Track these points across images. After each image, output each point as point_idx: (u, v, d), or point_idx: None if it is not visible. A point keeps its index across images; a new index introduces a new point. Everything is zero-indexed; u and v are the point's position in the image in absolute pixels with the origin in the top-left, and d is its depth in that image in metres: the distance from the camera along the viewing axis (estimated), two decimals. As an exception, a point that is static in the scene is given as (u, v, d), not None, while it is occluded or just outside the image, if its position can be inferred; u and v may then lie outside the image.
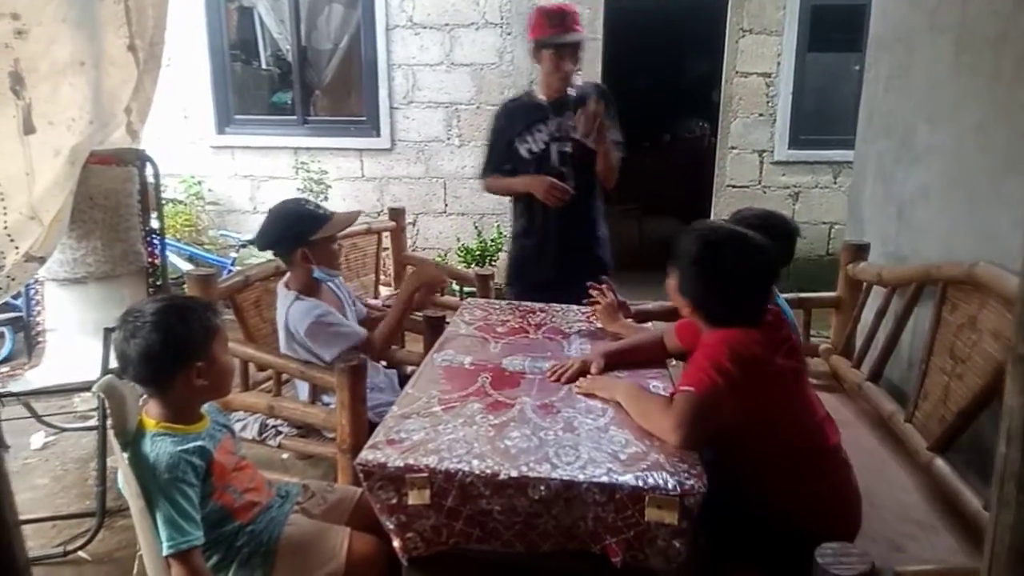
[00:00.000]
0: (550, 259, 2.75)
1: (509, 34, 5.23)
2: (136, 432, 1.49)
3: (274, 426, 2.34)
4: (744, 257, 1.55)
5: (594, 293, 2.28)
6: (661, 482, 1.30)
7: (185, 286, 2.46)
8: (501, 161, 2.80)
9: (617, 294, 2.28)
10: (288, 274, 2.30)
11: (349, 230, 3.54)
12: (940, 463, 1.92)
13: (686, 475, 1.33)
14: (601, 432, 1.50)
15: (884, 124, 2.88)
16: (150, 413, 1.51)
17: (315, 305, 2.18)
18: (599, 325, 2.26)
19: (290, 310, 2.19)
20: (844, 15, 5.07)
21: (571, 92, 2.68)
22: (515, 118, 2.76)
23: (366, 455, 1.36)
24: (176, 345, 1.44)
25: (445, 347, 2.05)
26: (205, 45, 5.43)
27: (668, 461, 1.39)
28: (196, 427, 1.55)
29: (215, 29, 5.45)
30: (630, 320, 2.25)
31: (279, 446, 2.32)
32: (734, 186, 5.40)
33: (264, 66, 5.86)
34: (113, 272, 3.16)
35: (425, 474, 1.32)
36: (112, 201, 3.14)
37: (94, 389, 1.48)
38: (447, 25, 5.26)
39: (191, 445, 1.48)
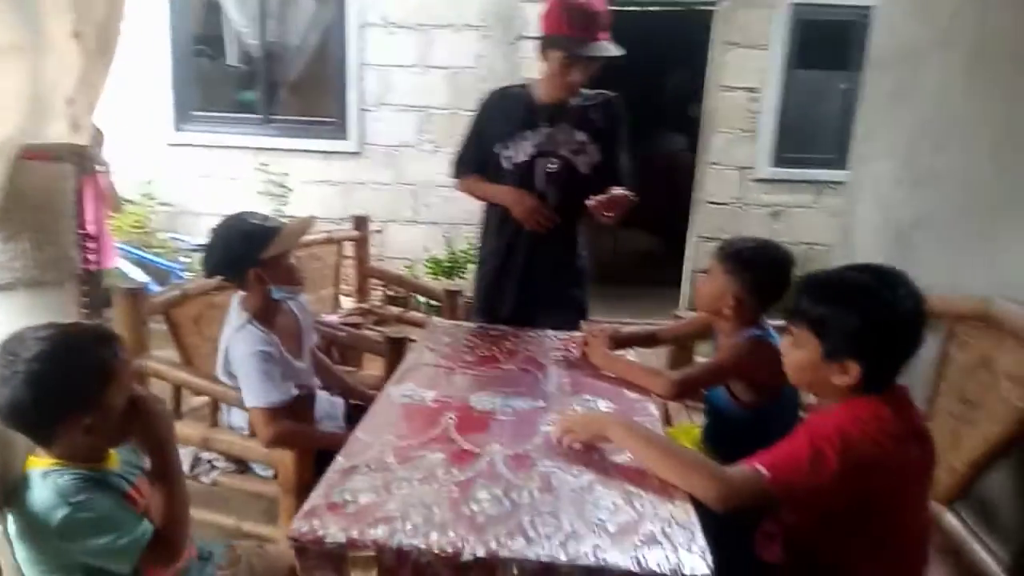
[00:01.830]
0: (513, 290, 2.38)
1: (488, 37, 5.02)
2: (20, 482, 1.23)
3: (209, 460, 2.07)
4: (915, 297, 1.27)
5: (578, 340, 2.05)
6: (658, 563, 1.08)
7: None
8: (479, 161, 2.37)
9: (599, 331, 2.04)
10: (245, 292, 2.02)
11: (307, 238, 3.29)
12: (949, 517, 1.74)
13: (687, 549, 1.11)
14: (585, 492, 1.27)
15: (883, 144, 2.71)
16: (37, 453, 1.26)
17: (264, 339, 1.91)
18: (578, 355, 2.03)
19: (236, 334, 1.92)
20: (833, 32, 4.96)
21: (573, 101, 2.28)
22: (503, 116, 2.33)
23: (300, 525, 1.11)
24: (52, 401, 1.17)
25: (405, 379, 1.80)
26: (168, 37, 5.13)
27: (664, 530, 1.17)
28: (100, 465, 1.30)
29: (179, 21, 5.16)
30: (620, 353, 2.02)
31: (213, 483, 2.06)
32: (713, 203, 5.25)
33: (231, 62, 5.55)
34: (42, 278, 2.85)
35: (372, 551, 1.07)
36: (44, 201, 2.83)
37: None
38: (423, 26, 5.03)
39: (94, 477, 1.24)
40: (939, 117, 2.32)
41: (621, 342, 2.06)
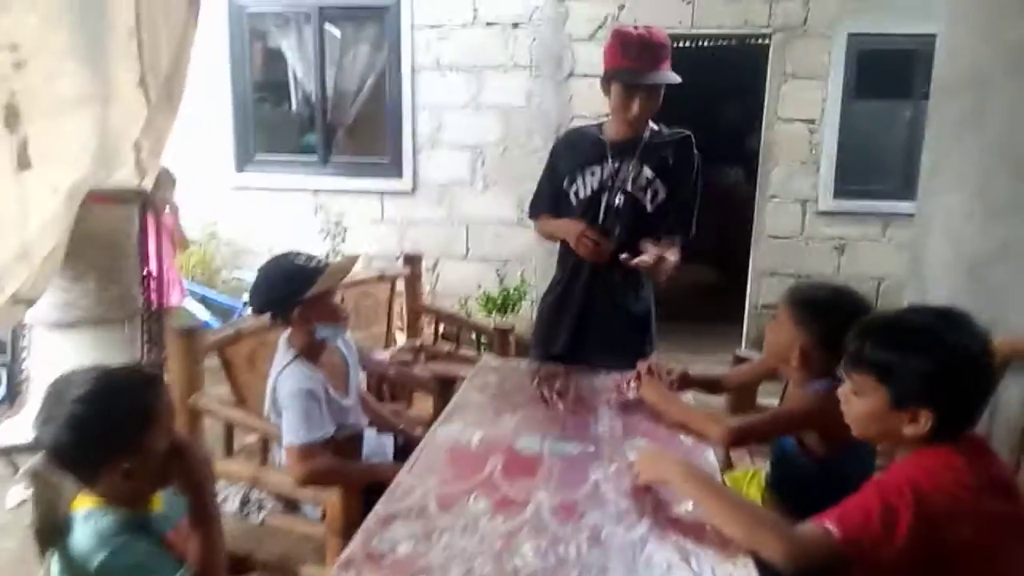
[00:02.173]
0: (568, 326, 2.31)
1: (538, 76, 5.05)
2: (65, 523, 1.23)
3: (258, 499, 2.06)
4: (981, 338, 1.19)
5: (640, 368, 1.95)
6: (715, 629, 0.99)
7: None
8: (553, 199, 2.36)
9: (666, 371, 1.94)
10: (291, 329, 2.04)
11: (359, 277, 3.32)
12: None
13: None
14: (637, 549, 1.19)
15: (952, 175, 2.57)
16: (85, 493, 1.26)
17: (310, 377, 1.90)
18: (632, 396, 1.96)
19: (283, 371, 1.92)
20: (893, 60, 4.81)
21: (646, 135, 2.22)
22: (574, 152, 2.31)
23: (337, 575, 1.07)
24: (93, 444, 1.18)
25: (452, 419, 1.77)
26: (228, 86, 5.34)
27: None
28: (143, 508, 1.30)
29: (238, 69, 5.37)
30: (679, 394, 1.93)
31: (262, 523, 2.04)
32: (775, 237, 5.10)
33: (295, 108, 5.75)
34: (106, 316, 2.96)
35: (409, 606, 1.03)
36: (109, 242, 2.96)
37: (18, 476, 1.23)
38: (475, 67, 5.11)
39: (135, 521, 1.23)
40: (1012, 145, 2.20)
41: (682, 384, 1.97)
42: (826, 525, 1.15)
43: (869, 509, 1.14)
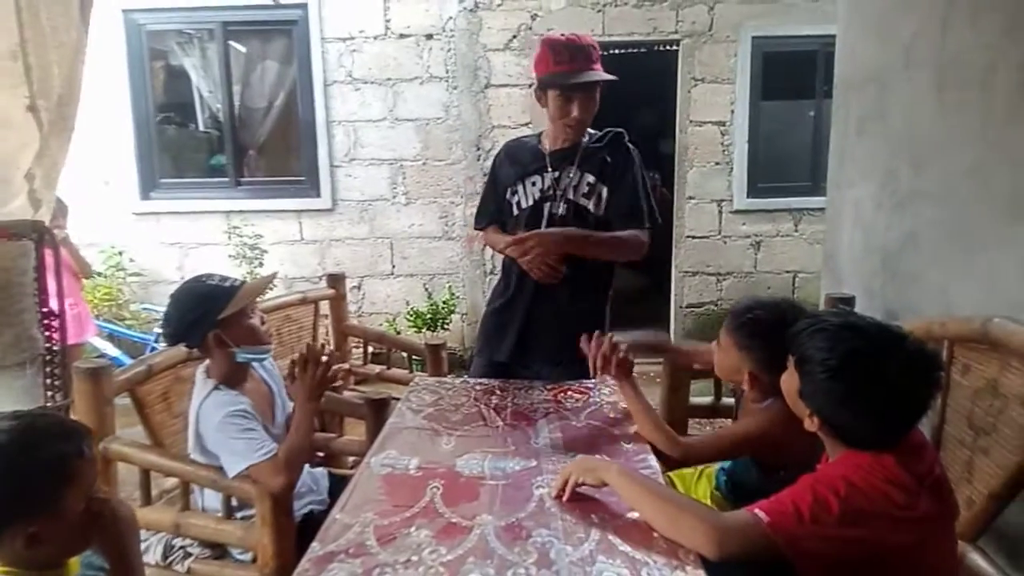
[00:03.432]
0: (512, 335, 2.26)
1: (455, 88, 5.02)
2: None
3: (182, 547, 1.93)
4: (909, 372, 1.18)
5: (588, 347, 1.82)
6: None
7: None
8: (497, 210, 2.35)
9: (622, 348, 1.79)
10: (208, 360, 1.92)
11: (281, 300, 3.19)
12: (974, 556, 1.63)
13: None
14: (587, 565, 1.16)
15: (859, 169, 2.69)
16: None
17: (234, 399, 1.81)
18: (570, 406, 1.94)
19: (204, 402, 1.81)
20: (795, 61, 5.04)
21: (584, 141, 2.21)
22: (515, 163, 2.30)
23: (270, 629, 0.99)
24: None
25: (386, 445, 1.69)
26: (128, 107, 5.08)
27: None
28: (56, 574, 1.16)
29: (138, 90, 5.11)
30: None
31: (188, 571, 1.91)
32: (694, 236, 5.23)
33: (202, 128, 5.52)
34: (2, 361, 2.72)
35: (352, 654, 0.96)
36: (2, 280, 2.72)
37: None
38: (389, 80, 5.04)
39: None
40: (913, 138, 2.30)
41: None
42: (755, 511, 1.16)
43: (800, 498, 1.16)
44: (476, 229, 2.51)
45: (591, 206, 2.21)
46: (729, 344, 1.70)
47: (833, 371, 1.19)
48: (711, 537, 1.16)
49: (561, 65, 2.10)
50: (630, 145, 2.28)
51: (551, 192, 2.21)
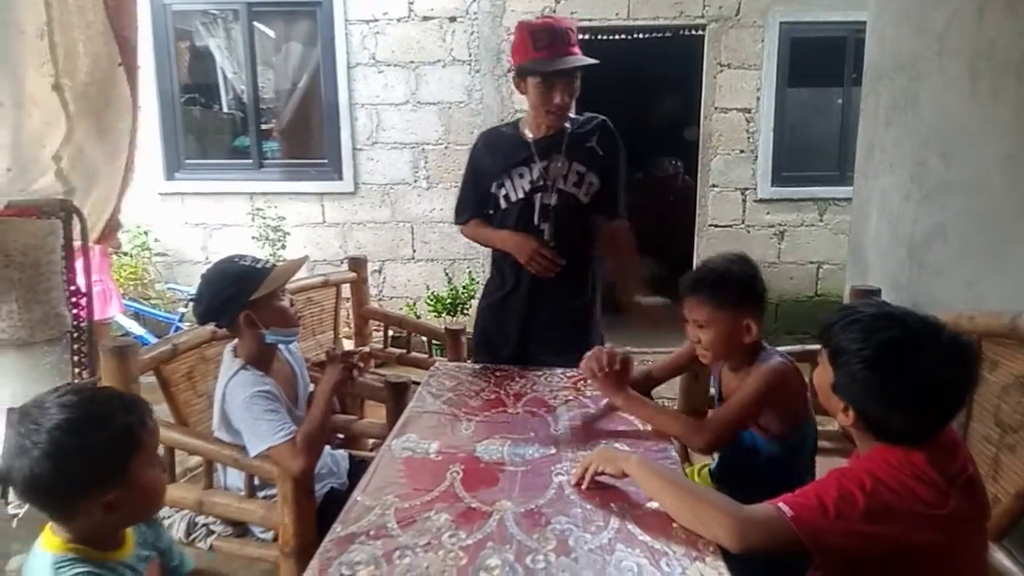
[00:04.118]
0: (514, 331, 2.28)
1: (478, 71, 5.00)
2: (30, 559, 1.14)
3: (204, 524, 1.96)
4: (946, 363, 1.15)
5: (585, 367, 1.81)
6: (690, 632, 0.97)
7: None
8: (480, 203, 2.30)
9: (617, 360, 1.78)
10: (236, 340, 1.95)
11: (303, 283, 3.21)
12: (1000, 556, 1.62)
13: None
14: (605, 553, 1.16)
15: (887, 159, 2.64)
16: (54, 530, 1.16)
17: (261, 381, 1.82)
18: (589, 394, 1.94)
19: (231, 381, 1.83)
20: (824, 48, 4.95)
21: (568, 128, 2.20)
22: (496, 155, 2.25)
23: (293, 608, 1.01)
24: (75, 476, 1.09)
25: (407, 429, 1.71)
26: (154, 88, 5.11)
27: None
28: (117, 554, 1.20)
29: (164, 71, 5.14)
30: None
31: (210, 548, 1.95)
32: (716, 225, 5.18)
33: (226, 109, 5.55)
34: (31, 338, 2.78)
35: (372, 635, 0.97)
36: (31, 258, 2.77)
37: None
38: (412, 63, 5.02)
39: (104, 572, 1.14)
40: (943, 128, 2.25)
41: (637, 384, 1.92)
42: (779, 505, 1.15)
43: (825, 493, 1.14)
44: (457, 224, 2.41)
45: (580, 195, 2.20)
46: (713, 315, 1.68)
47: (869, 361, 1.16)
48: (733, 530, 1.15)
49: (540, 51, 2.05)
50: (618, 137, 2.27)
51: (541, 183, 2.18)
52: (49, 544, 1.14)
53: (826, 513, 1.12)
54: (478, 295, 5.18)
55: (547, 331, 2.27)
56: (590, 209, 2.21)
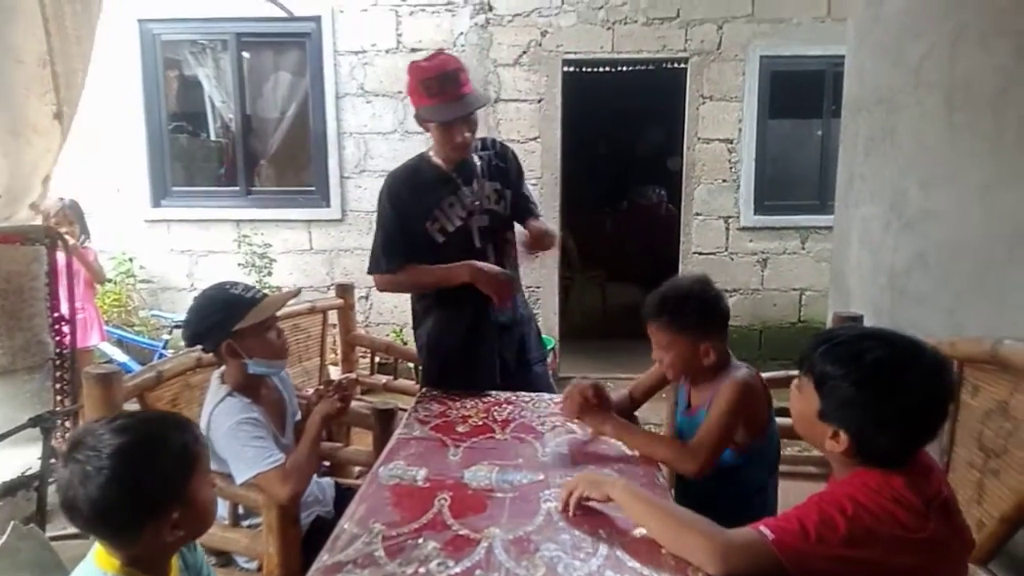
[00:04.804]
0: (492, 361, 2.32)
1: (464, 101, 5.05)
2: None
3: (188, 554, 1.93)
4: (933, 379, 1.17)
5: (566, 409, 1.86)
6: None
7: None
8: (410, 247, 2.24)
9: (591, 392, 1.84)
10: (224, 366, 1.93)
11: (290, 310, 3.19)
12: (986, 580, 1.63)
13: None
14: (594, 580, 1.16)
15: (868, 188, 2.70)
16: (107, 551, 1.15)
17: (247, 408, 1.81)
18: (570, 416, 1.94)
19: (216, 409, 1.81)
20: (803, 81, 5.07)
21: (476, 150, 2.30)
22: (422, 193, 2.23)
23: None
24: (142, 498, 1.10)
25: (394, 456, 1.70)
26: (141, 116, 5.12)
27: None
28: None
29: (152, 99, 5.16)
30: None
31: (194, 579, 1.91)
32: (700, 253, 5.24)
33: (213, 138, 5.56)
34: (12, 365, 2.75)
35: (360, 665, 0.96)
36: (14, 285, 2.75)
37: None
38: (400, 93, 5.07)
39: None
40: (922, 159, 2.31)
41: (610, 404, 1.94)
42: (760, 528, 1.15)
43: (806, 517, 1.15)
44: (386, 273, 2.30)
45: (502, 210, 2.32)
46: (672, 339, 1.74)
47: (861, 382, 1.17)
48: (715, 553, 1.15)
49: (433, 98, 2.11)
50: (512, 149, 2.44)
51: (474, 206, 2.25)
52: (106, 564, 1.13)
53: (807, 537, 1.12)
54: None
55: (522, 347, 2.38)
56: (510, 220, 2.36)
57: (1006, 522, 1.59)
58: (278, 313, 2.84)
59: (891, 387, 1.15)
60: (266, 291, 1.97)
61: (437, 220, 2.23)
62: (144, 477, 1.09)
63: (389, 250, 2.27)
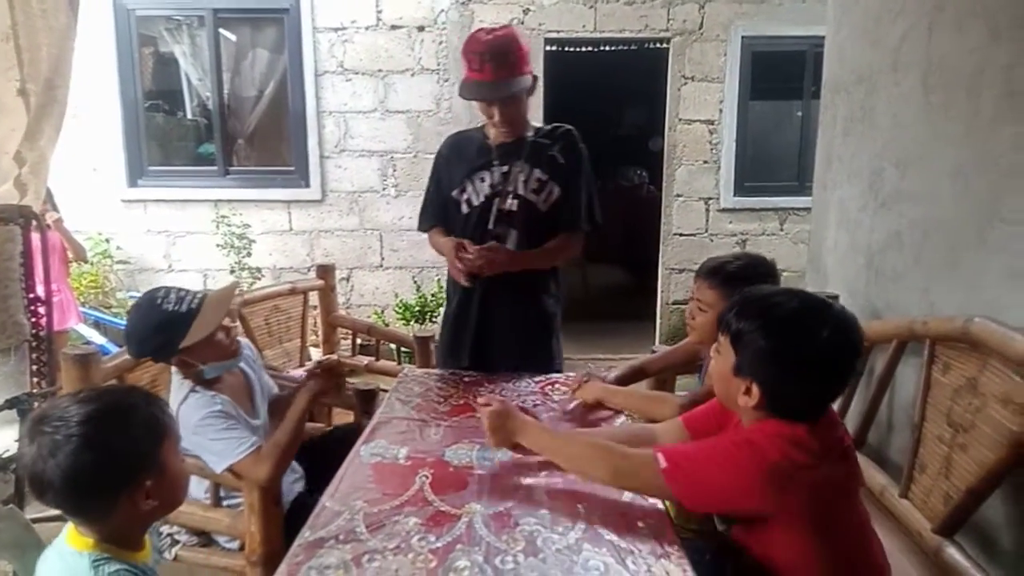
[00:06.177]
0: (469, 341, 2.24)
1: (447, 80, 5.02)
2: (55, 560, 1.13)
3: (169, 534, 1.93)
4: (841, 332, 1.22)
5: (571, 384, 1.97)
6: (656, 628, 0.99)
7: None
8: (442, 209, 2.28)
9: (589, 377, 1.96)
10: None
11: (270, 291, 3.19)
12: (952, 551, 1.67)
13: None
14: (573, 553, 1.18)
15: (845, 169, 2.72)
16: (81, 531, 1.13)
17: (212, 401, 1.77)
18: (557, 398, 1.96)
19: (181, 407, 1.76)
20: (784, 62, 5.08)
21: (529, 135, 2.20)
22: (461, 159, 2.23)
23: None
24: (116, 465, 1.08)
25: (375, 435, 1.71)
26: (116, 94, 5.03)
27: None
28: (139, 555, 1.19)
29: (127, 77, 5.05)
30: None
31: (176, 558, 1.92)
32: (681, 234, 5.26)
33: (190, 116, 5.47)
34: (-12, 347, 2.71)
35: (342, 638, 0.97)
36: (-13, 265, 2.70)
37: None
38: (380, 71, 5.02)
39: (138, 571, 1.14)
40: (898, 140, 2.33)
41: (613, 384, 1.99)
42: (656, 453, 1.23)
43: (699, 454, 1.24)
44: (421, 231, 2.39)
45: (540, 202, 2.18)
46: (711, 295, 1.78)
47: (772, 332, 1.23)
48: (609, 464, 1.26)
49: (474, 73, 2.04)
50: (582, 145, 2.27)
51: (500, 187, 2.17)
52: (80, 544, 1.12)
53: (696, 472, 1.22)
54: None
55: (503, 340, 2.24)
56: (549, 218, 2.20)
57: (972, 494, 1.64)
58: (258, 294, 2.83)
59: (799, 337, 1.22)
60: (200, 292, 1.83)
61: (465, 190, 2.20)
62: (116, 442, 1.08)
63: (424, 210, 2.36)
